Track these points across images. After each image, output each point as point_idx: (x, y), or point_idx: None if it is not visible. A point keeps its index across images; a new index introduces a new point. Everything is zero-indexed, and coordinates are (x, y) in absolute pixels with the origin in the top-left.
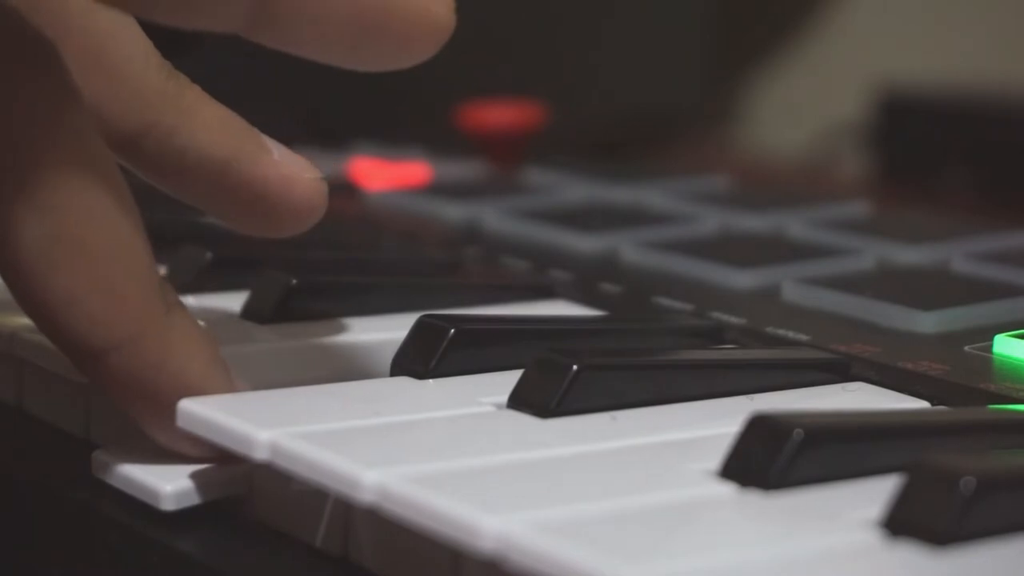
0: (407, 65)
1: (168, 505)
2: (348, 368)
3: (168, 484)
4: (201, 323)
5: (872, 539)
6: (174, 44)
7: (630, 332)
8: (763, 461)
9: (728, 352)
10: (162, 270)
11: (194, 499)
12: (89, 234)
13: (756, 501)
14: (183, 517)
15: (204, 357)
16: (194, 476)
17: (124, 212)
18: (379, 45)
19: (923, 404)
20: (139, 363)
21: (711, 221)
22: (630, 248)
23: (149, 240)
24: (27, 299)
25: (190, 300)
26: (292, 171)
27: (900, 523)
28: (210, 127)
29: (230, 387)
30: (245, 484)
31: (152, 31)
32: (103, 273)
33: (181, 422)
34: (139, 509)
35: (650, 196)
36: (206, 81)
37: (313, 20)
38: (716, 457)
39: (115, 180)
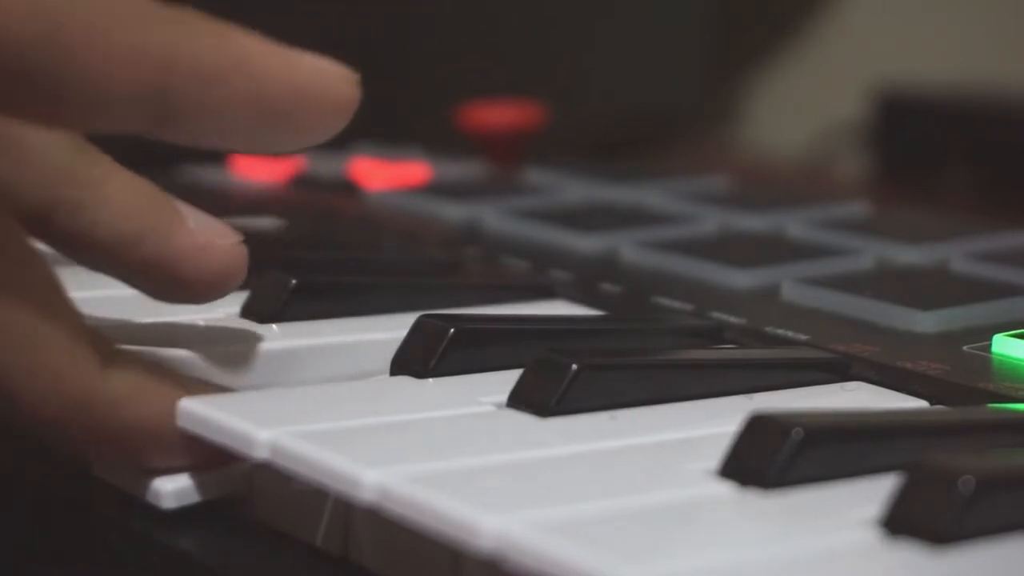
0: (313, 144)
1: (168, 503)
2: (348, 368)
3: (168, 483)
4: (202, 322)
5: (871, 538)
6: None
7: (630, 332)
8: (762, 460)
9: (727, 352)
10: None
11: (194, 497)
12: (12, 322)
13: (755, 500)
14: (183, 517)
15: (156, 393)
16: (194, 475)
17: (43, 291)
18: (283, 130)
19: (922, 404)
20: (96, 425)
21: (711, 221)
22: (630, 248)
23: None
24: None
25: None
26: (207, 239)
27: (899, 522)
28: (119, 200)
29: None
30: (245, 483)
31: None
32: (34, 357)
33: (182, 422)
34: (139, 509)
35: (650, 196)
36: None
37: (214, 115)
38: (715, 456)
39: (28, 258)
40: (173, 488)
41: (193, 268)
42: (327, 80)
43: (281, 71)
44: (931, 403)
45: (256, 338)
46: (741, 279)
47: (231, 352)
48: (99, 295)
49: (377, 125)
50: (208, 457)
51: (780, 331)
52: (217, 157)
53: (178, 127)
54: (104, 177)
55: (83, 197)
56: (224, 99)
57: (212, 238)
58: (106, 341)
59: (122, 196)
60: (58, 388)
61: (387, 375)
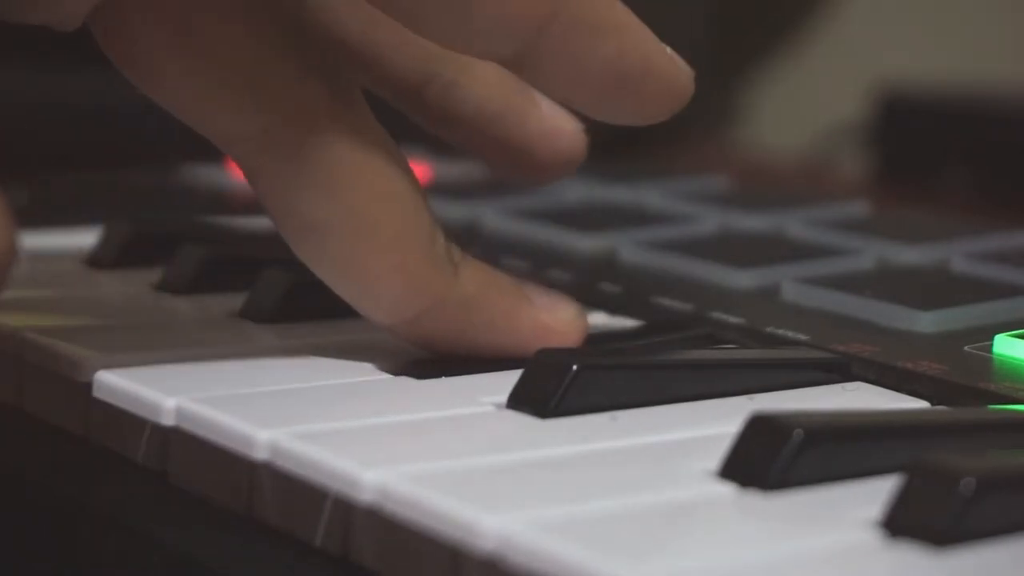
0: (640, 124)
1: (168, 420)
2: (348, 368)
3: (170, 398)
4: (202, 322)
5: (872, 539)
6: None
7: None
8: (763, 461)
9: (727, 352)
10: (162, 269)
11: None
12: (380, 220)
13: (756, 501)
14: (183, 515)
15: (503, 299)
16: (195, 471)
17: (407, 192)
18: (628, 100)
19: (923, 404)
20: (446, 323)
21: (711, 221)
22: (629, 248)
23: (143, 242)
24: (336, 285)
25: (190, 300)
26: (557, 123)
27: (900, 523)
28: (486, 81)
29: (533, 313)
30: (245, 483)
31: None
32: (397, 255)
33: (180, 421)
34: (139, 509)
35: (650, 196)
36: None
37: (575, 69)
38: (716, 457)
39: (395, 160)
40: (175, 404)
41: (546, 148)
42: (677, 69)
43: (645, 47)
44: (932, 403)
45: (256, 338)
46: (741, 279)
47: (231, 352)
48: (95, 295)
49: None
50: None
51: (780, 331)
52: (217, 157)
53: (536, 69)
54: (473, 59)
55: (456, 76)
56: (591, 55)
57: (561, 123)
58: (455, 246)
59: (489, 77)
60: (417, 286)
61: (387, 375)
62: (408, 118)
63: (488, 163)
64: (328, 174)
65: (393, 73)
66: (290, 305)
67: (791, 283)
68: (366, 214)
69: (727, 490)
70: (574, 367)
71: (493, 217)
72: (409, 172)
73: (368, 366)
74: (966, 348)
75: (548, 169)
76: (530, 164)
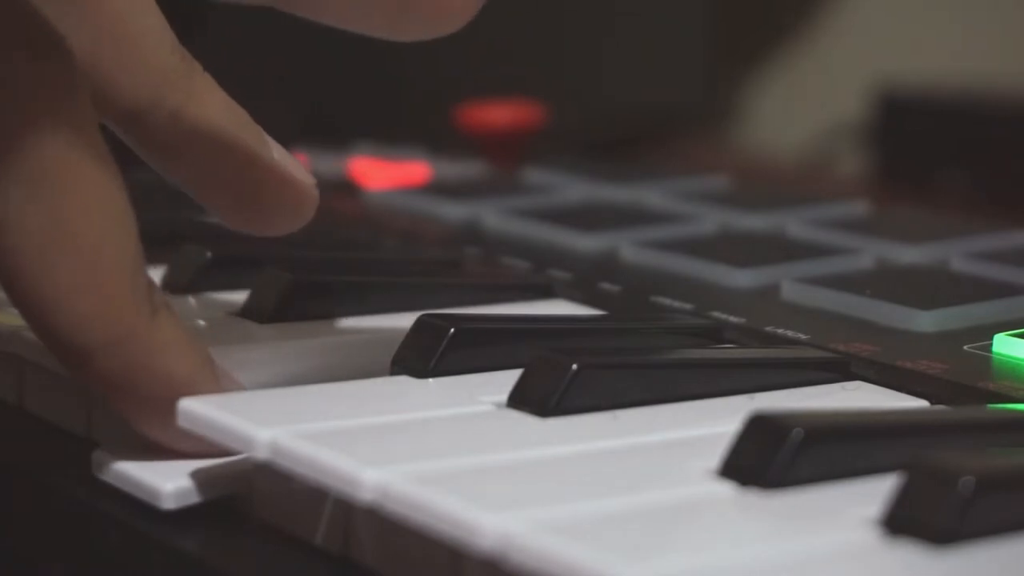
0: (434, 36)
1: (168, 504)
2: (348, 368)
3: (168, 483)
4: (202, 322)
5: (871, 538)
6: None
7: (630, 331)
8: (763, 460)
9: (728, 351)
10: (162, 269)
11: (194, 498)
12: (82, 233)
13: (756, 500)
14: (183, 516)
15: (191, 359)
16: (194, 475)
17: (118, 212)
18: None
19: (922, 403)
20: (125, 364)
21: (711, 221)
22: (629, 248)
23: (143, 242)
24: (17, 297)
25: (190, 300)
26: (288, 172)
27: (899, 522)
28: (214, 114)
29: (217, 389)
30: (245, 482)
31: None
32: (92, 273)
33: (182, 421)
34: (139, 509)
35: (649, 196)
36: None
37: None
38: (716, 456)
39: (113, 179)
40: (173, 489)
41: (273, 194)
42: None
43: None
44: (931, 403)
45: (256, 338)
46: (741, 279)
47: (231, 352)
48: None
49: (377, 125)
50: (207, 449)
51: (780, 331)
52: None
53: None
54: (203, 88)
55: (182, 103)
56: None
57: (293, 173)
58: (160, 292)
59: (217, 111)
60: (106, 311)
61: (387, 375)
62: (405, 118)
63: (209, 205)
64: (39, 171)
65: (118, 95)
66: (290, 305)
67: (791, 283)
68: (68, 222)
69: (727, 489)
70: (574, 366)
71: (493, 217)
72: (125, 200)
73: (368, 366)
74: (966, 347)
75: (273, 219)
76: (255, 209)
